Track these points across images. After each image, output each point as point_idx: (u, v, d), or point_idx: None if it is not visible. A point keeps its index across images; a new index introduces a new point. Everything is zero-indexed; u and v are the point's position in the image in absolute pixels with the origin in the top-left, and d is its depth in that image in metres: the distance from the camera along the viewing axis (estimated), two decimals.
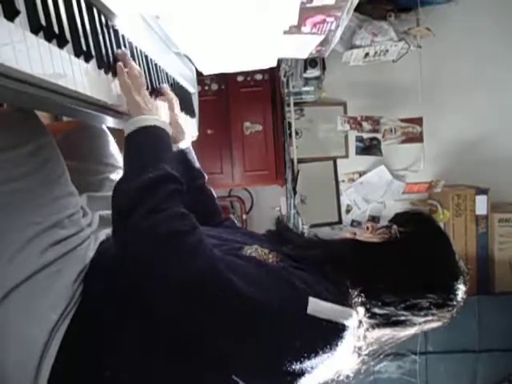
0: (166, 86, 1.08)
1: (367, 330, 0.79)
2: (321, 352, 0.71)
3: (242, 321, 0.70)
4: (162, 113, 0.90)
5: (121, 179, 0.77)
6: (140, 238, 0.69)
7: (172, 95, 1.08)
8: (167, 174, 0.76)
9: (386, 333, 0.83)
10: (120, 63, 0.82)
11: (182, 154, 1.12)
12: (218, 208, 1.17)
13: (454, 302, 0.81)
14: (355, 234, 0.90)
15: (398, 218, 0.91)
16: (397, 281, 0.80)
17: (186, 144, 1.12)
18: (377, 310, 0.79)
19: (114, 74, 0.82)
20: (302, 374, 0.72)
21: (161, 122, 0.83)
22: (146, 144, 0.79)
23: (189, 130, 1.16)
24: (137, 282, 0.72)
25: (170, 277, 0.68)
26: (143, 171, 0.74)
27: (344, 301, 0.75)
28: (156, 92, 1.04)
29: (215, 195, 1.18)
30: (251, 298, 0.69)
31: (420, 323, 0.81)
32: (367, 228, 0.90)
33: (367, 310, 0.78)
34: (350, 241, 0.90)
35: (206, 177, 1.16)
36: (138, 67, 0.87)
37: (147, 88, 0.98)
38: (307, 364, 0.71)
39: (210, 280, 0.69)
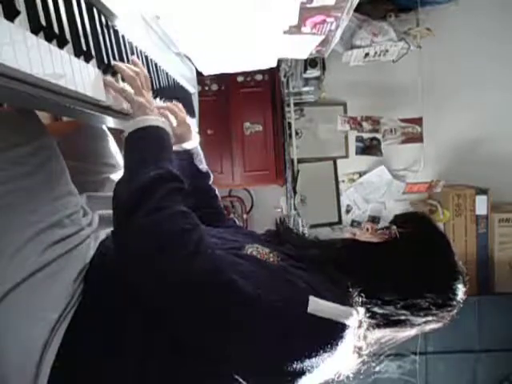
0: (159, 102, 1.10)
1: (367, 329, 0.79)
2: (321, 351, 0.71)
3: (243, 319, 0.70)
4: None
5: (121, 179, 0.77)
6: (142, 236, 0.69)
7: (171, 104, 1.11)
8: (168, 172, 0.76)
9: (387, 333, 0.83)
10: (117, 64, 0.82)
11: (189, 153, 1.13)
12: (221, 208, 1.18)
13: (454, 302, 0.81)
14: (355, 234, 0.91)
15: (397, 219, 0.91)
16: (396, 280, 0.81)
17: (193, 144, 1.14)
18: (377, 310, 0.79)
19: (114, 74, 0.82)
20: (302, 373, 0.72)
21: (161, 121, 0.83)
22: (146, 144, 0.79)
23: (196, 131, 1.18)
24: (137, 281, 0.72)
25: (170, 274, 0.68)
26: (144, 170, 0.74)
27: (344, 300, 0.75)
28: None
29: (219, 196, 1.19)
30: (252, 297, 0.69)
31: (420, 324, 0.82)
32: (367, 229, 0.90)
33: (367, 310, 0.78)
34: (349, 241, 0.91)
35: (212, 177, 1.18)
36: (132, 67, 0.86)
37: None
38: (308, 363, 0.71)
39: (211, 278, 0.69)
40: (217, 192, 1.19)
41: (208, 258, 0.70)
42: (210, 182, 1.18)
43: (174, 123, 1.11)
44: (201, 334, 0.71)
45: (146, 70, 0.90)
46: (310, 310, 0.70)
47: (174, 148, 1.13)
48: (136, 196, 0.71)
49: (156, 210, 0.70)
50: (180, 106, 1.14)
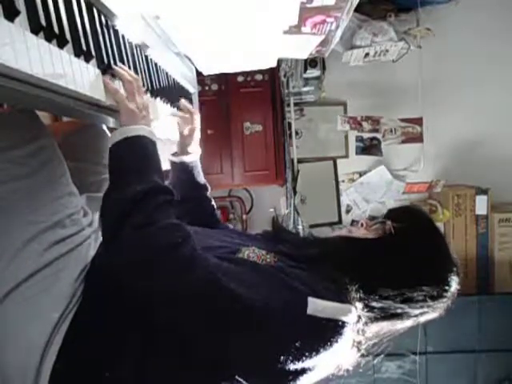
0: (183, 101, 1.10)
1: (366, 324, 0.80)
2: (322, 350, 0.72)
3: (243, 326, 0.70)
4: (151, 116, 0.87)
5: (108, 191, 0.76)
6: (131, 252, 0.69)
7: (192, 109, 1.11)
8: (156, 185, 0.75)
9: (384, 326, 0.84)
10: (117, 69, 0.80)
11: (188, 166, 1.14)
12: (217, 218, 1.20)
13: (449, 294, 0.83)
14: (351, 231, 0.92)
15: (391, 214, 0.92)
16: (393, 274, 0.82)
17: (193, 157, 1.15)
18: (374, 304, 0.80)
19: (114, 76, 0.81)
20: (303, 372, 0.72)
21: (147, 131, 0.80)
22: (131, 155, 0.77)
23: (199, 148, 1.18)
24: (134, 293, 0.72)
25: (167, 288, 0.68)
26: (131, 183, 0.73)
27: (342, 297, 0.75)
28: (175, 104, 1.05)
29: (215, 206, 1.21)
30: (250, 303, 0.69)
31: (416, 315, 0.83)
32: (361, 224, 0.91)
33: (365, 305, 0.78)
34: (345, 238, 0.92)
35: (209, 189, 1.19)
36: (131, 72, 0.84)
37: (147, 89, 0.99)
38: (309, 362, 0.71)
39: (207, 289, 0.69)
40: (213, 202, 1.20)
41: (203, 269, 0.70)
42: (208, 194, 1.19)
43: (186, 132, 1.12)
44: (201, 340, 0.71)
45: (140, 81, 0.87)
46: (309, 311, 0.71)
47: (175, 159, 1.14)
48: (124, 210, 0.70)
49: (145, 225, 0.70)
50: (196, 116, 1.14)
